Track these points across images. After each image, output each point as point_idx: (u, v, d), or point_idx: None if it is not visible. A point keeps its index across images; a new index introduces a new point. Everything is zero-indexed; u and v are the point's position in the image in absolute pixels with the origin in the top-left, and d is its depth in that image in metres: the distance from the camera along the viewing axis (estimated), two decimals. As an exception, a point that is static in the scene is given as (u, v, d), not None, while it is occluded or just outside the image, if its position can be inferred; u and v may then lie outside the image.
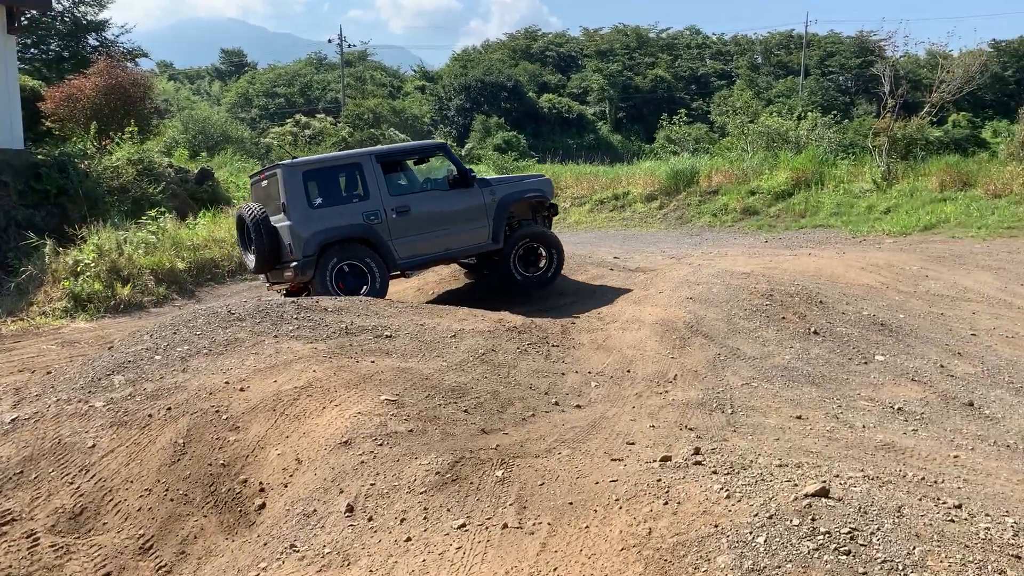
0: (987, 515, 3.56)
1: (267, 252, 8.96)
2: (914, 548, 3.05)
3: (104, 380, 6.01)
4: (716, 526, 3.19)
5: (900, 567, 2.95)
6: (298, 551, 3.76)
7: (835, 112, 33.23)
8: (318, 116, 38.75)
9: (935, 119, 24.08)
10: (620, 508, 3.49)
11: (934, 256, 11.99)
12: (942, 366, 6.94)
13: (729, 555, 2.98)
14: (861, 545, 3.04)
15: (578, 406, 5.73)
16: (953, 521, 3.37)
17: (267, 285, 10.01)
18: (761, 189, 19.15)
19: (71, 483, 4.88)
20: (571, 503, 3.69)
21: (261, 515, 4.42)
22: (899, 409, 5.89)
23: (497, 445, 4.62)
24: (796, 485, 3.54)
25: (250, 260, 9.32)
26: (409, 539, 3.60)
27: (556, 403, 5.74)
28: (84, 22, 29.42)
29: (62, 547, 4.42)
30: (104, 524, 4.59)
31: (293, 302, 7.49)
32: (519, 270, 10.00)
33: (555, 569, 3.19)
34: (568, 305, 9.48)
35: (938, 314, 8.66)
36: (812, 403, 5.90)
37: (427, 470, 4.19)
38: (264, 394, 5.42)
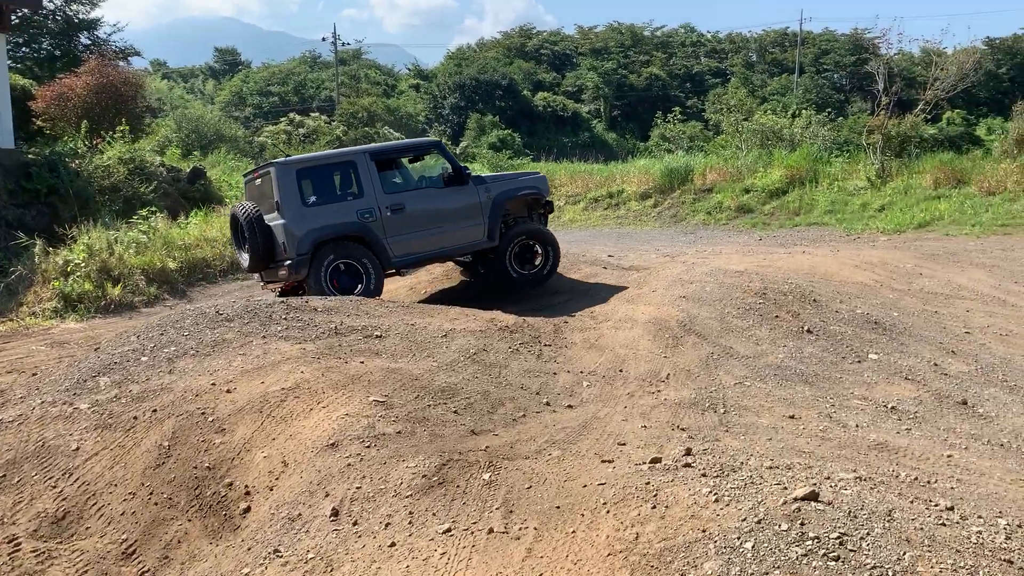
0: (980, 517, 3.51)
1: (261, 251, 8.89)
2: (904, 553, 3.00)
3: (90, 382, 5.94)
4: (704, 531, 3.14)
5: (889, 573, 2.89)
6: (281, 556, 3.70)
7: (830, 110, 33.20)
8: (312, 115, 38.63)
9: (929, 116, 24.08)
10: (608, 512, 3.44)
11: (928, 254, 11.97)
12: (936, 364, 6.91)
13: (716, 561, 2.93)
14: (850, 551, 2.99)
15: (570, 406, 5.68)
16: (945, 524, 3.32)
17: (261, 284, 9.96)
18: (755, 187, 19.12)
19: (54, 487, 4.81)
20: (558, 507, 3.63)
21: (246, 519, 4.36)
22: (892, 408, 5.85)
23: (486, 447, 4.57)
24: (786, 488, 3.48)
25: (244, 259, 9.25)
26: (393, 544, 3.54)
27: (547, 403, 5.68)
28: (76, 21, 29.28)
29: (44, 552, 4.35)
30: (87, 528, 4.53)
31: (282, 302, 7.42)
32: (515, 267, 9.95)
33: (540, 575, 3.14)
34: (561, 304, 9.43)
35: (932, 312, 8.63)
36: (805, 402, 5.86)
37: (414, 473, 4.13)
38: (251, 395, 5.36)
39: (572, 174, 23.59)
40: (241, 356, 6.11)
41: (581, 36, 66.30)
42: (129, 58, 30.58)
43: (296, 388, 5.36)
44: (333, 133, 34.78)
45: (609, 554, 3.13)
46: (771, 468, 3.88)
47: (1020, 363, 7.08)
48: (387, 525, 3.72)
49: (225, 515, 4.45)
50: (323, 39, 57.57)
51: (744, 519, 3.20)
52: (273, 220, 8.84)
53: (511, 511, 3.69)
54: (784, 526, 3.14)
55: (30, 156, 15.22)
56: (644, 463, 4.06)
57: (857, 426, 5.39)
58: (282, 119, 38.81)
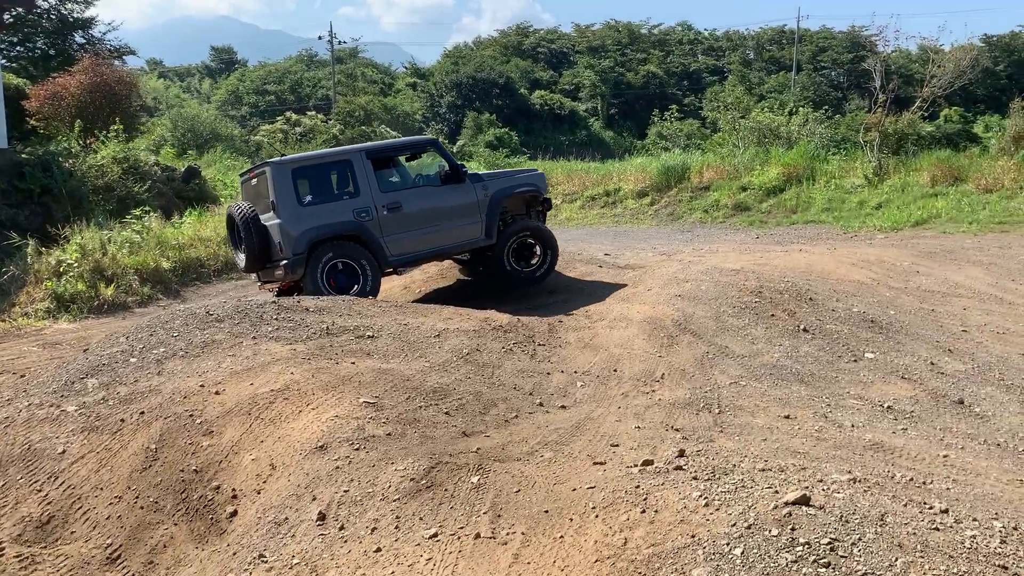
0: (975, 520, 3.45)
1: (257, 251, 8.84)
2: (896, 559, 2.94)
3: (78, 384, 5.88)
4: (693, 536, 3.08)
5: (882, 578, 2.84)
6: (266, 561, 3.65)
7: (827, 107, 33.16)
8: (309, 113, 38.48)
9: (926, 114, 24.02)
10: (596, 516, 3.38)
11: (925, 252, 11.91)
12: (932, 363, 6.85)
13: (705, 567, 2.87)
14: (841, 557, 2.93)
15: (563, 407, 5.62)
16: (938, 529, 3.26)
17: (258, 284, 9.90)
18: (752, 185, 19.05)
19: (39, 491, 4.75)
20: (547, 511, 3.57)
21: (232, 523, 4.30)
22: (888, 408, 5.80)
23: (477, 448, 4.51)
24: (777, 492, 3.42)
25: (240, 259, 9.20)
26: (379, 549, 3.48)
27: (540, 404, 5.63)
28: (71, 20, 29.16)
29: (28, 557, 4.30)
30: (72, 533, 4.47)
31: (274, 302, 7.36)
32: (513, 265, 9.90)
33: (527, 581, 3.09)
34: (556, 303, 9.37)
35: (929, 310, 8.58)
36: (801, 402, 5.80)
37: (402, 476, 4.08)
38: (240, 397, 5.30)
39: (569, 172, 23.50)
40: (231, 357, 6.05)
41: (578, 34, 66.30)
42: (124, 57, 30.51)
43: (286, 390, 5.30)
44: (330, 132, 34.67)
45: (597, 560, 3.07)
46: (763, 471, 3.82)
47: (1017, 361, 7.02)
48: (373, 530, 3.67)
49: (211, 519, 4.40)
50: (320, 37, 57.60)
51: (734, 524, 3.14)
52: (269, 220, 8.78)
53: (499, 515, 3.63)
54: (774, 531, 3.08)
55: (23, 156, 15.14)
56: (636, 465, 4.01)
57: (853, 426, 5.34)
58: (278, 118, 38.70)
